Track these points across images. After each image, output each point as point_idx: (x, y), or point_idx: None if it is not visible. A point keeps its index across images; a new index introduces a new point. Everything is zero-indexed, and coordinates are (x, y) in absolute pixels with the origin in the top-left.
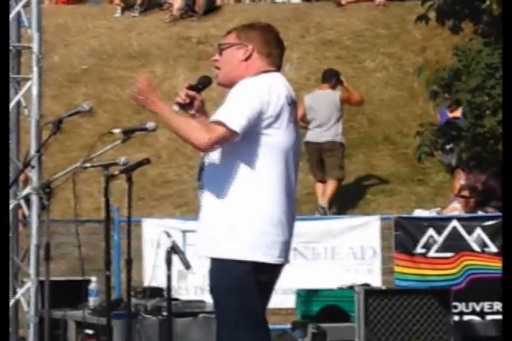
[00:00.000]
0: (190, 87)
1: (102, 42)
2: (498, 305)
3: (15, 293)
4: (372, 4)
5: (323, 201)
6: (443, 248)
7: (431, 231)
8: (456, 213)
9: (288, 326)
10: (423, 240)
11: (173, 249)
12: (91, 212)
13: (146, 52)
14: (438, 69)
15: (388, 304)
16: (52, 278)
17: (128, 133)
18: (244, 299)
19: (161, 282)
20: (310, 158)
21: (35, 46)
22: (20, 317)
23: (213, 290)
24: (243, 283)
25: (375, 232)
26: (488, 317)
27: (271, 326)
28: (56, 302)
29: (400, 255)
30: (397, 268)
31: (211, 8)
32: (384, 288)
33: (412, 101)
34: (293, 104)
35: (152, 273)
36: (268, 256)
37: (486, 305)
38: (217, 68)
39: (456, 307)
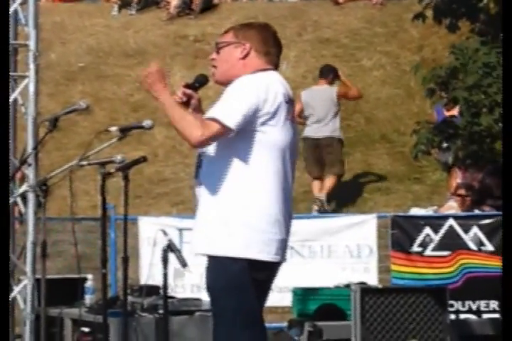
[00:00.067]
0: (187, 86)
1: (99, 40)
2: (494, 304)
3: (11, 290)
4: (369, 3)
5: (320, 193)
6: (439, 246)
7: (427, 230)
8: (452, 212)
9: (284, 324)
10: (419, 238)
11: (170, 247)
12: (87, 210)
13: (142, 50)
14: (435, 67)
15: (384, 302)
16: (49, 276)
17: (125, 131)
18: (240, 297)
19: (157, 280)
20: (307, 154)
21: (32, 44)
22: (16, 315)
23: (210, 289)
24: (240, 281)
25: (372, 231)
26: (485, 316)
27: (267, 324)
28: (52, 300)
29: (397, 253)
30: (393, 267)
31: (208, 6)
32: (380, 286)
33: (409, 99)
34: (290, 102)
35: (148, 271)
36: (264, 253)
37: (482, 304)
38: (214, 67)
39: (452, 305)
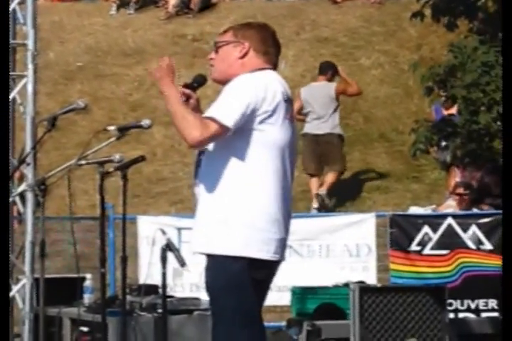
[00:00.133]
0: (186, 86)
1: (98, 40)
2: (493, 303)
3: (10, 290)
4: (367, 1)
5: (321, 188)
6: (438, 245)
7: (426, 229)
8: (451, 210)
9: (283, 323)
10: (418, 237)
11: (168, 247)
12: (86, 210)
13: (141, 50)
14: (433, 65)
15: (383, 301)
16: (47, 276)
17: (123, 131)
18: (240, 296)
19: (156, 279)
20: (306, 150)
21: (30, 43)
22: (15, 314)
23: (209, 288)
24: (239, 280)
25: (371, 229)
26: (483, 315)
27: (266, 323)
28: (51, 300)
29: (395, 252)
30: (392, 266)
31: (206, 6)
32: (379, 285)
33: (408, 98)
34: (289, 100)
35: (147, 271)
36: (263, 252)
37: (481, 303)
38: (213, 66)
39: (451, 304)
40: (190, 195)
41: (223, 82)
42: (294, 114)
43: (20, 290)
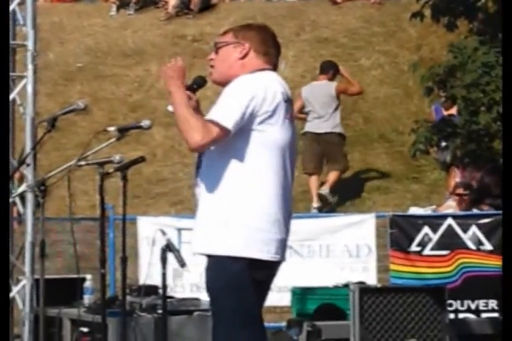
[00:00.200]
0: (185, 87)
1: (98, 40)
2: (493, 303)
3: (10, 290)
4: (367, 2)
5: (324, 187)
6: (438, 246)
7: (426, 229)
8: (451, 211)
9: (283, 324)
10: (418, 238)
11: (168, 247)
12: (86, 210)
13: (141, 50)
14: (433, 65)
15: (383, 302)
16: (47, 276)
17: (123, 131)
18: (240, 297)
19: (156, 280)
20: (306, 149)
21: (30, 44)
22: (15, 315)
23: (210, 288)
24: (239, 280)
25: (371, 230)
26: (484, 315)
27: (266, 324)
28: (51, 300)
29: (395, 253)
30: (392, 266)
31: (206, 6)
32: (379, 286)
33: (408, 99)
34: (289, 101)
35: (147, 271)
36: (264, 252)
37: (481, 303)
38: (212, 67)
39: (451, 305)
40: (190, 196)
41: (223, 82)
42: (296, 113)
43: (21, 290)
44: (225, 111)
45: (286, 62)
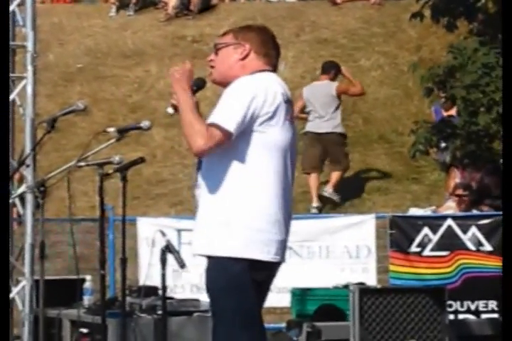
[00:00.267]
0: None
1: (97, 41)
2: (493, 304)
3: (9, 291)
4: (367, 3)
5: (327, 188)
6: (438, 246)
7: (426, 230)
8: (451, 212)
9: (283, 325)
10: (418, 239)
11: (168, 248)
12: (86, 211)
13: (141, 51)
14: (432, 66)
15: (383, 303)
16: (47, 277)
17: (123, 132)
18: (240, 298)
19: (156, 281)
20: (306, 148)
21: (29, 45)
22: (14, 316)
23: (210, 289)
24: (240, 281)
25: (370, 231)
26: (483, 316)
27: (266, 325)
28: (51, 301)
29: (395, 254)
30: (392, 267)
31: (206, 7)
32: (379, 286)
33: (407, 99)
34: (289, 102)
35: (147, 272)
36: (264, 253)
37: (481, 304)
38: (212, 67)
39: (451, 305)
40: (189, 197)
41: (223, 83)
42: (297, 113)
43: (20, 291)
44: (227, 113)
45: (285, 63)
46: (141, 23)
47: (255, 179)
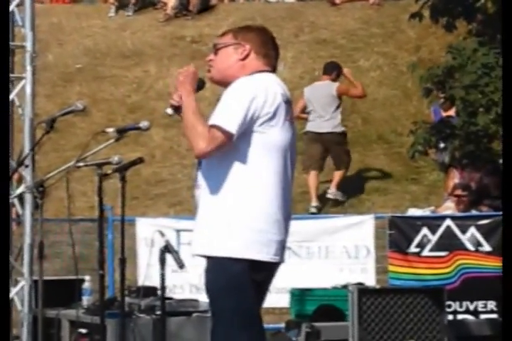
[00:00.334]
0: None
1: (96, 42)
2: (492, 304)
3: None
4: (366, 3)
5: (330, 190)
6: (437, 247)
7: (425, 230)
8: (450, 212)
9: (282, 325)
10: (417, 239)
11: (167, 248)
12: (85, 211)
13: (140, 52)
14: (431, 66)
15: (382, 303)
16: (46, 277)
17: (122, 132)
18: (240, 298)
19: (154, 281)
20: (307, 147)
21: (28, 45)
22: (13, 316)
23: (209, 289)
24: (239, 281)
25: (369, 231)
26: (482, 316)
27: (265, 325)
28: (50, 302)
29: (394, 254)
30: (391, 268)
31: (205, 8)
32: (378, 287)
33: (406, 100)
34: (288, 102)
35: (146, 272)
36: (264, 253)
37: (480, 304)
38: (211, 67)
39: (450, 306)
40: (189, 197)
41: (222, 82)
42: (298, 113)
43: (19, 292)
44: (228, 114)
45: (284, 64)
46: (140, 24)
47: (255, 179)
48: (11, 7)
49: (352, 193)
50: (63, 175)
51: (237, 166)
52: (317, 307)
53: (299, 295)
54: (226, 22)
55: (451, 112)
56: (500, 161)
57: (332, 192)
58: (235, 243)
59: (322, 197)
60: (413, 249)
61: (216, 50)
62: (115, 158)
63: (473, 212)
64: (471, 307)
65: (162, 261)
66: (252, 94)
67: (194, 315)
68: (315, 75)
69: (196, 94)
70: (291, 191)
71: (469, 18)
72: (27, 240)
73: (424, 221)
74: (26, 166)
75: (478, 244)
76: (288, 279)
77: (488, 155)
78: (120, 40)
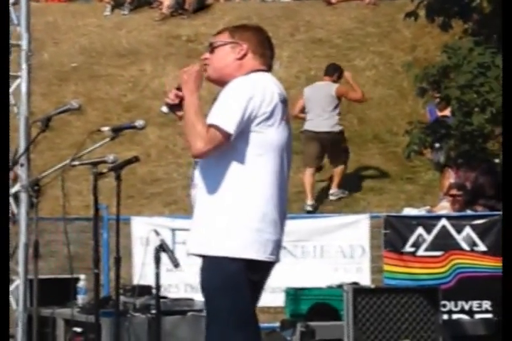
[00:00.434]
0: (180, 88)
1: (92, 40)
2: (487, 304)
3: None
4: (362, 3)
5: (332, 190)
6: (432, 246)
7: (420, 230)
8: (445, 212)
9: (277, 325)
10: (412, 239)
11: (162, 247)
12: (80, 210)
13: (135, 50)
14: (427, 66)
15: (377, 303)
16: (41, 276)
17: (117, 131)
18: (235, 297)
19: (150, 280)
20: (304, 146)
21: (24, 43)
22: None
23: (205, 288)
24: (235, 281)
25: (365, 231)
26: (477, 316)
27: (260, 324)
28: (45, 300)
29: (389, 254)
30: (386, 267)
31: (201, 7)
32: (373, 286)
33: (402, 99)
34: (285, 102)
35: (141, 271)
36: (261, 253)
37: (474, 304)
38: (206, 65)
39: (445, 305)
40: (184, 196)
41: (218, 81)
42: (298, 112)
43: (14, 291)
44: (225, 114)
45: (280, 63)
46: (136, 23)
47: (253, 179)
48: None
49: (347, 192)
50: (58, 174)
51: (234, 166)
52: (311, 307)
53: (294, 295)
54: (222, 21)
55: (447, 112)
56: (496, 161)
57: (334, 193)
58: (233, 242)
59: (318, 196)
60: (408, 248)
61: (212, 48)
62: (110, 157)
63: (469, 212)
64: (466, 307)
65: (157, 260)
66: (249, 93)
67: (189, 314)
68: (311, 75)
69: None
70: (287, 191)
71: (465, 18)
72: (22, 239)
73: (420, 220)
74: (21, 165)
75: (473, 244)
76: (283, 278)
77: (483, 154)
78: (116, 39)
